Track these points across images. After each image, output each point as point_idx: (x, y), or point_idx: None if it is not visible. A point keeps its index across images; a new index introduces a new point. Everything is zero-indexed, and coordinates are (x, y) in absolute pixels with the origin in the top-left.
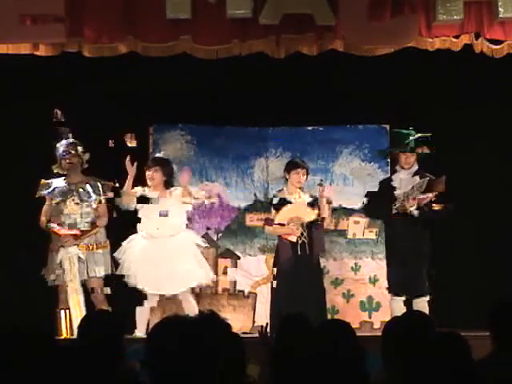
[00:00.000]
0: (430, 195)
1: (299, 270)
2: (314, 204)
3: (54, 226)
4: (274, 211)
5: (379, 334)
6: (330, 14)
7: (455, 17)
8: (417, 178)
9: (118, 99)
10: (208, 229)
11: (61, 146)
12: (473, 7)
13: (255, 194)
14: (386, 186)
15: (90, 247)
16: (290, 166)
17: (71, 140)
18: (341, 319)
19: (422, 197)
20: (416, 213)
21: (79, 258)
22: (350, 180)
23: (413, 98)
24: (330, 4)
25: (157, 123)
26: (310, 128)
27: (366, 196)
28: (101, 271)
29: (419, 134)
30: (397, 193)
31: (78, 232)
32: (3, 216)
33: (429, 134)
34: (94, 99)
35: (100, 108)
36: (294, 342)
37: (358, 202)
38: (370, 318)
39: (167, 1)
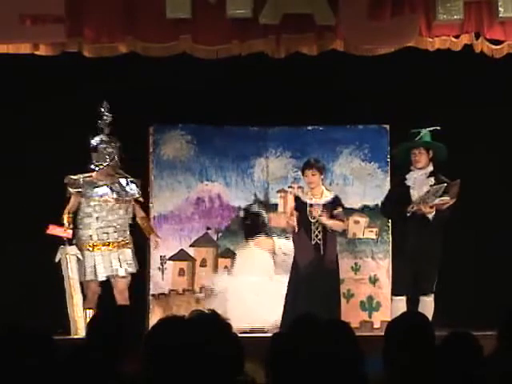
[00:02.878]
0: (447, 199)
1: (313, 271)
2: (335, 203)
3: (61, 231)
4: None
5: (379, 333)
6: (330, 14)
7: (455, 17)
8: (431, 178)
9: (118, 99)
10: (208, 229)
11: (107, 146)
12: (473, 7)
13: (255, 194)
14: (400, 185)
15: (121, 243)
16: (302, 168)
17: (117, 144)
18: (340, 319)
19: (438, 202)
20: (431, 216)
21: (77, 258)
22: (350, 180)
23: (413, 98)
24: (329, 4)
25: (157, 123)
26: (310, 128)
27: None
28: (132, 268)
29: (429, 128)
30: (412, 192)
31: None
32: (5, 216)
33: (438, 127)
34: (94, 99)
35: (100, 108)
36: (294, 342)
37: (358, 202)
38: (370, 317)
39: (167, 1)
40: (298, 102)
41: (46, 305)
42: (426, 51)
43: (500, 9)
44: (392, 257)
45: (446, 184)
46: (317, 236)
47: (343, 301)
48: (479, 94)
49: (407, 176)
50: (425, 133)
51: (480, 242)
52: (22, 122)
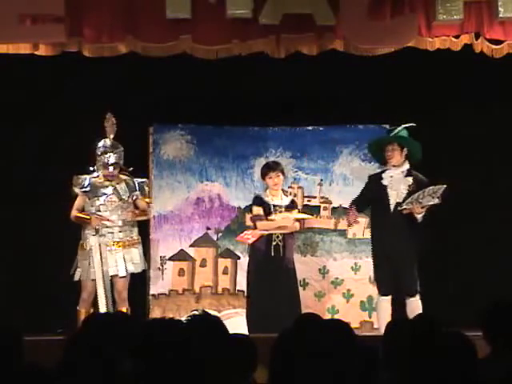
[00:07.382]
0: (436, 201)
1: (272, 271)
2: (292, 206)
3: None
4: (256, 208)
5: (379, 333)
6: (330, 14)
7: (455, 17)
8: (409, 178)
9: (118, 99)
10: (208, 229)
11: (109, 154)
12: (473, 7)
13: (255, 194)
14: (376, 183)
15: (127, 243)
16: (263, 172)
17: (119, 150)
18: (341, 319)
19: (430, 203)
20: (419, 217)
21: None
22: (350, 180)
23: (413, 98)
24: (330, 4)
25: (157, 123)
26: (310, 128)
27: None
28: (137, 268)
29: (404, 125)
30: (390, 192)
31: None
32: (5, 216)
33: (413, 124)
34: (94, 99)
35: (100, 108)
36: (294, 342)
37: None
38: (370, 317)
39: (167, 1)
40: (297, 102)
41: (46, 305)
42: (426, 51)
43: (500, 9)
44: (372, 256)
45: (445, 186)
46: (278, 237)
47: (343, 300)
48: (479, 94)
49: (383, 175)
50: (400, 129)
51: (479, 242)
52: (21, 122)
